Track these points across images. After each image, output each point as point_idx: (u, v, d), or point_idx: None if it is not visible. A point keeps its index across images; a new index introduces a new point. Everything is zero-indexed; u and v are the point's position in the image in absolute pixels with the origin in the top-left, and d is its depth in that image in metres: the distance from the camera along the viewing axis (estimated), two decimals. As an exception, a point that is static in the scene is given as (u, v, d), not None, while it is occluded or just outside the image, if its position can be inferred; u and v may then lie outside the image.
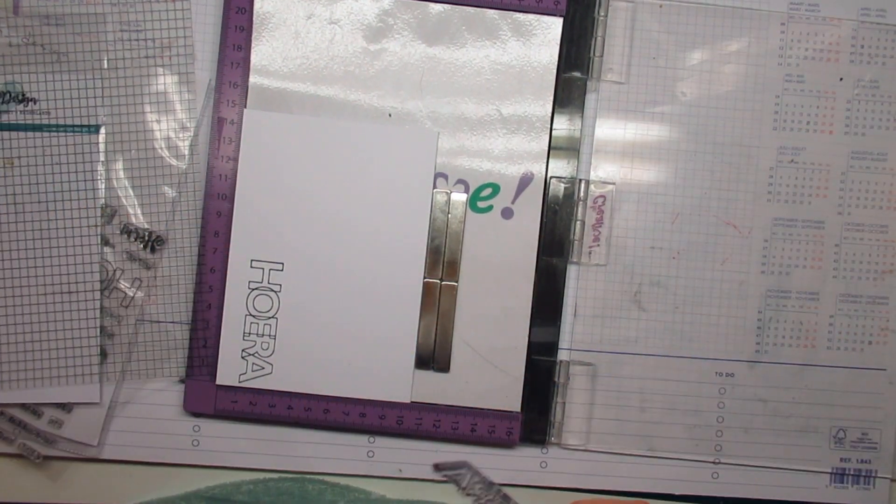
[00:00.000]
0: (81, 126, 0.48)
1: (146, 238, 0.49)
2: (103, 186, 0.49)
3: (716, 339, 0.52)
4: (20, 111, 0.48)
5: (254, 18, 0.49)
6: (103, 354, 0.49)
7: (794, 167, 0.52)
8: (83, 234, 0.49)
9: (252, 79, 0.49)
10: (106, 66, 0.48)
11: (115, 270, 0.49)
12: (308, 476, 0.51)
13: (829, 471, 0.53)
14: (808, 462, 0.53)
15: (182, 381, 0.50)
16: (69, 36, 0.49)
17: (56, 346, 0.49)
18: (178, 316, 0.50)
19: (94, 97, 0.49)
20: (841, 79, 0.52)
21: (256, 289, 0.49)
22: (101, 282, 0.49)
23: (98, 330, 0.49)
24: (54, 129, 0.48)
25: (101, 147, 0.49)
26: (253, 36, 0.49)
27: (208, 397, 0.50)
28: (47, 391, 0.49)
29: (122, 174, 0.49)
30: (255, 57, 0.49)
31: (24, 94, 0.48)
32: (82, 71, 0.48)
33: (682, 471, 0.52)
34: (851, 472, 0.53)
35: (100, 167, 0.49)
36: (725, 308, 0.52)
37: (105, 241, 0.49)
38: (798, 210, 0.52)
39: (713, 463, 0.52)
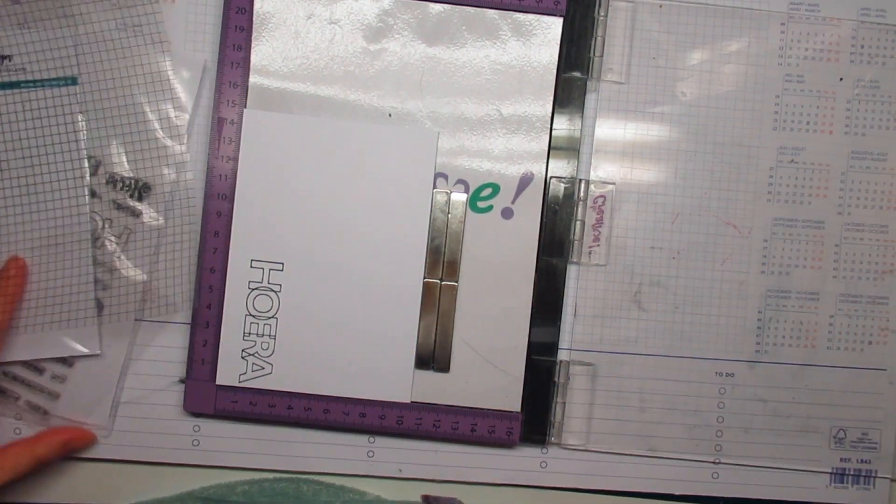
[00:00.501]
0: (58, 79, 0.48)
1: (132, 186, 0.49)
2: (86, 138, 0.49)
3: (716, 339, 0.52)
4: None
5: (254, 18, 0.49)
6: (99, 306, 0.49)
7: (794, 167, 0.52)
8: (70, 188, 0.48)
9: (252, 79, 0.49)
10: (76, 13, 0.48)
11: (103, 221, 0.49)
12: (303, 477, 0.51)
13: (829, 471, 0.53)
14: (808, 462, 0.53)
15: (182, 381, 0.50)
16: None
17: (52, 302, 0.49)
18: (178, 316, 0.50)
19: (67, 47, 0.48)
20: (841, 79, 0.52)
21: (256, 289, 0.49)
22: (92, 233, 0.49)
23: (93, 282, 0.49)
24: (31, 84, 0.48)
25: (80, 98, 0.48)
26: (253, 36, 0.49)
27: (208, 397, 0.50)
28: (47, 347, 0.49)
29: (103, 123, 0.49)
30: (255, 57, 0.49)
31: None
32: (53, 20, 0.48)
33: (682, 471, 0.52)
34: (851, 472, 0.53)
35: (80, 118, 0.48)
36: (725, 308, 0.52)
37: (91, 193, 0.49)
38: (798, 210, 0.52)
39: (713, 463, 0.52)
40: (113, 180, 0.49)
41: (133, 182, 0.49)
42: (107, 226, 0.49)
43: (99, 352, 0.49)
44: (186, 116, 0.49)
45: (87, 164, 0.48)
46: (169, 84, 0.49)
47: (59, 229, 0.49)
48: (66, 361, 0.50)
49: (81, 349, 0.49)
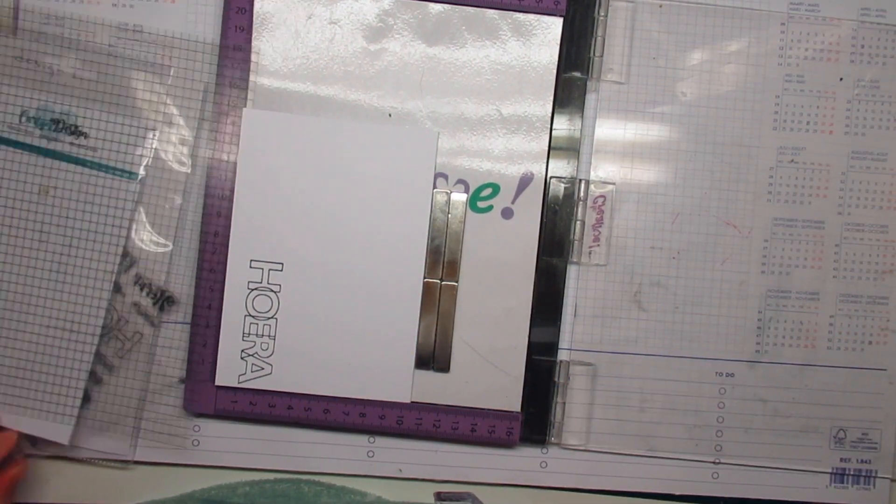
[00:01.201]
0: (122, 171, 0.48)
1: (157, 296, 0.49)
2: (126, 235, 0.49)
3: (716, 339, 0.52)
4: (69, 143, 0.48)
5: (254, 18, 0.49)
6: (86, 399, 0.49)
7: (794, 167, 0.52)
8: (97, 277, 0.48)
9: (252, 79, 0.49)
10: (160, 119, 0.49)
11: (119, 319, 0.49)
12: (304, 478, 0.51)
13: (829, 471, 0.53)
14: (808, 462, 0.53)
15: (182, 382, 0.50)
16: (130, 80, 0.49)
17: (43, 381, 0.48)
18: (178, 316, 0.50)
19: (142, 146, 0.49)
20: (841, 79, 0.52)
21: (256, 289, 0.49)
22: (103, 327, 0.49)
23: (87, 373, 0.49)
24: (96, 167, 0.48)
25: (135, 197, 0.49)
26: (253, 36, 0.49)
27: (208, 397, 0.50)
28: (21, 419, 0.48)
29: (148, 227, 0.49)
30: (255, 57, 0.49)
31: (76, 127, 0.48)
32: (137, 118, 0.48)
33: (682, 471, 0.52)
34: (851, 472, 0.53)
35: (128, 215, 0.48)
36: (725, 308, 0.52)
37: (117, 289, 0.49)
38: (798, 210, 0.52)
39: (713, 463, 0.52)
40: (141, 284, 0.49)
41: (160, 292, 0.49)
42: (121, 324, 0.49)
43: (67, 443, 0.49)
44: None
45: (119, 260, 0.48)
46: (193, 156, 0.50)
47: (74, 315, 0.48)
48: (33, 441, 0.49)
49: (51, 436, 0.49)
